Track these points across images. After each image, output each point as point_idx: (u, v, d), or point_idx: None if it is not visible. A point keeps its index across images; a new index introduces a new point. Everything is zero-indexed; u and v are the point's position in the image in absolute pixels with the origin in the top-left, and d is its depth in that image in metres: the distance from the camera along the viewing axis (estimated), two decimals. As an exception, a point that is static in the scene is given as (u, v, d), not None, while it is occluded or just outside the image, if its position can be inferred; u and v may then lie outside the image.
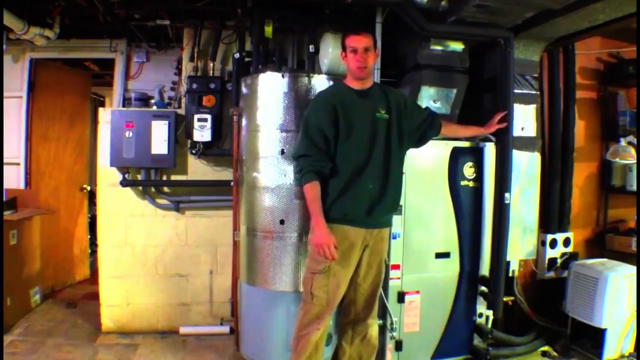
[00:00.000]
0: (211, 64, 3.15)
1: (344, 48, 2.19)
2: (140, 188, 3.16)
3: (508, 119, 2.63)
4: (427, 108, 2.50)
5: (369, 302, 2.30)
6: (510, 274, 2.94)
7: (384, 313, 2.63)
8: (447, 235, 2.74)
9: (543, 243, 3.15)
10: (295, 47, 3.17)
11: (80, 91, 4.34)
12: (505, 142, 2.66)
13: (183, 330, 3.21)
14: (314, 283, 2.15)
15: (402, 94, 2.47)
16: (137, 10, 3.01)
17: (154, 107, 3.15)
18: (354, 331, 2.34)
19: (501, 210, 2.67)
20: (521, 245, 2.94)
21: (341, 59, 2.25)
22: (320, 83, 2.56)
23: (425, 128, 2.40)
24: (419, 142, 2.43)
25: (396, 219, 2.61)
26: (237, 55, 3.03)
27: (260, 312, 2.57)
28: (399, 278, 2.65)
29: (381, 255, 2.29)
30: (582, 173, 3.43)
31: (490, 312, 2.81)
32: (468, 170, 2.75)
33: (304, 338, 2.19)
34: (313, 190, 2.09)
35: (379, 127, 2.18)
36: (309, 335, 2.18)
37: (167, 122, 3.03)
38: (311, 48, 2.90)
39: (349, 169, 2.13)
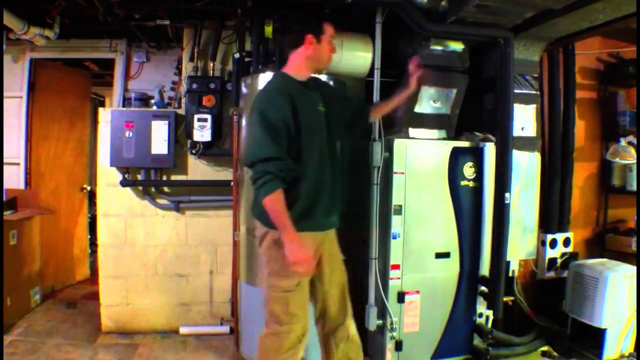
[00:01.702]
0: (211, 64, 3.15)
1: (318, 32, 2.00)
2: (140, 188, 3.16)
3: (507, 119, 2.63)
4: (355, 99, 2.35)
5: (342, 304, 2.18)
6: (510, 274, 2.94)
7: (384, 313, 2.63)
8: (447, 235, 2.74)
9: (543, 243, 3.15)
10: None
11: (80, 91, 4.35)
12: (505, 142, 2.65)
13: (183, 330, 3.21)
14: (291, 302, 1.95)
15: (330, 84, 2.33)
16: (137, 10, 3.01)
17: (154, 107, 3.16)
18: (336, 337, 2.19)
19: (501, 210, 2.67)
20: (521, 245, 2.94)
21: (306, 43, 2.00)
22: (320, 83, 2.55)
23: (355, 118, 2.30)
24: (349, 132, 2.32)
25: (396, 219, 2.62)
26: (237, 55, 3.03)
27: (260, 312, 2.56)
28: (399, 278, 2.65)
29: (339, 257, 2.19)
30: (582, 173, 3.43)
31: (490, 312, 2.80)
32: (468, 170, 2.75)
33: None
34: (281, 200, 1.82)
35: (322, 122, 2.05)
36: (296, 356, 2.01)
37: (167, 122, 3.03)
38: (311, 48, 2.89)
39: (312, 170, 1.95)
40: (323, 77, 2.59)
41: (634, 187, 3.33)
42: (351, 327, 2.23)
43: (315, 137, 1.98)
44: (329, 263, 2.12)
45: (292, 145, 1.89)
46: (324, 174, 2.01)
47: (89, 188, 4.33)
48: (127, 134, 3.01)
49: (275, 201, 1.82)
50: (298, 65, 2.04)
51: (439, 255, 2.72)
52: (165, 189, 3.21)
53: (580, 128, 3.37)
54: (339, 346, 2.19)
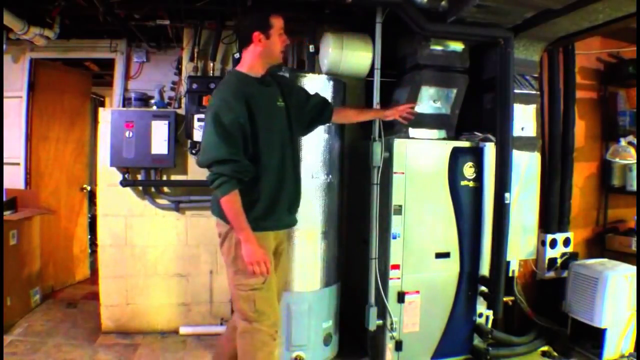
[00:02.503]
0: (211, 64, 3.15)
1: (266, 28, 1.94)
2: (140, 188, 3.16)
3: (507, 119, 2.63)
4: (317, 94, 2.31)
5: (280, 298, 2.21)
6: (510, 274, 2.94)
7: (383, 313, 2.63)
8: (447, 235, 2.74)
9: (543, 243, 3.15)
10: (295, 47, 3.17)
11: (80, 91, 4.34)
12: (505, 142, 2.65)
13: (183, 330, 3.21)
14: (258, 299, 1.95)
15: (290, 79, 2.29)
16: (137, 10, 3.01)
17: (154, 107, 3.16)
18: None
19: (501, 210, 2.67)
20: (521, 245, 2.94)
21: (255, 41, 1.95)
22: (320, 83, 2.56)
23: (315, 115, 2.26)
24: (307, 129, 2.29)
25: (396, 219, 2.62)
26: (237, 55, 3.02)
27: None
28: (399, 278, 2.65)
29: (289, 254, 2.25)
30: (582, 173, 3.43)
31: (490, 312, 2.81)
32: (468, 170, 2.75)
33: (269, 357, 1.98)
34: (237, 200, 1.83)
35: (282, 117, 2.03)
36: (273, 352, 2.00)
37: (167, 122, 3.03)
38: (311, 48, 2.90)
39: (272, 170, 1.95)
40: (323, 77, 2.59)
41: (634, 187, 3.33)
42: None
43: (275, 134, 1.98)
44: (283, 260, 2.18)
45: (249, 145, 1.89)
46: (285, 171, 2.01)
47: (89, 188, 4.33)
48: (127, 134, 3.00)
49: (231, 202, 1.83)
50: (251, 63, 1.99)
51: (439, 255, 2.72)
52: (165, 189, 3.21)
53: (580, 128, 3.37)
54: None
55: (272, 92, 2.04)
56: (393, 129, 2.78)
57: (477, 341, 2.84)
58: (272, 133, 1.97)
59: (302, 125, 2.21)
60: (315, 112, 2.26)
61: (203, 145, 1.89)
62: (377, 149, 2.56)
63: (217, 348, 2.38)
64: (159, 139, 3.03)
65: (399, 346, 2.66)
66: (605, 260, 3.10)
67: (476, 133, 2.81)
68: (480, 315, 2.82)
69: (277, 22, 1.97)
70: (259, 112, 1.90)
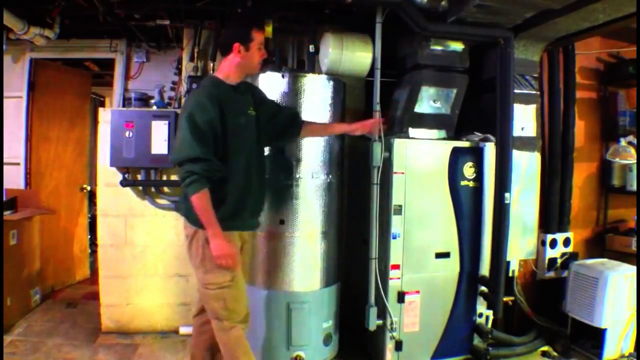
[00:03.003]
0: (211, 64, 3.14)
1: (246, 40, 2.02)
2: (140, 188, 3.16)
3: (507, 119, 2.63)
4: (288, 107, 2.40)
5: None
6: (510, 274, 2.95)
7: (383, 313, 2.63)
8: (447, 235, 2.74)
9: (543, 243, 3.15)
10: (295, 47, 3.17)
11: (80, 91, 4.34)
12: (505, 142, 2.65)
13: (183, 330, 3.20)
14: (228, 297, 2.02)
15: (261, 90, 2.37)
16: (137, 10, 3.01)
17: (154, 107, 3.15)
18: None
19: (501, 210, 2.67)
20: (521, 245, 2.94)
21: (234, 52, 2.03)
22: (320, 83, 2.56)
23: (283, 127, 2.33)
24: (273, 140, 2.36)
25: (396, 219, 2.62)
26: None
27: (260, 312, 2.57)
28: (399, 278, 2.65)
29: (247, 254, 2.30)
30: (582, 173, 3.43)
31: (490, 312, 2.81)
32: (468, 170, 2.75)
33: (243, 351, 2.07)
34: (207, 198, 1.91)
35: (251, 125, 2.13)
36: (246, 347, 2.09)
37: (167, 122, 3.03)
38: (311, 48, 2.90)
39: (239, 172, 2.04)
40: (323, 77, 2.59)
41: (634, 187, 3.33)
42: None
43: (243, 140, 2.06)
44: (243, 257, 2.20)
45: (219, 147, 1.97)
46: (251, 176, 2.10)
47: (89, 188, 4.33)
48: (127, 134, 3.00)
49: (201, 199, 1.90)
50: (228, 72, 2.08)
51: (439, 255, 2.72)
52: (165, 189, 3.21)
53: (580, 128, 3.37)
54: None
55: (244, 100, 2.13)
56: (393, 129, 2.78)
57: (477, 341, 2.84)
58: (240, 139, 2.05)
59: (267, 136, 2.27)
60: (284, 124, 2.33)
61: (176, 143, 1.99)
62: (377, 149, 2.55)
63: (190, 347, 2.44)
64: (159, 139, 3.02)
65: (399, 346, 2.66)
66: (605, 260, 3.10)
67: (476, 133, 2.81)
68: (480, 315, 2.82)
69: (258, 36, 2.06)
70: (230, 117, 1.99)
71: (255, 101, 2.19)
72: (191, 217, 2.00)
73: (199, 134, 1.90)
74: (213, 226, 1.93)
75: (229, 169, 2.00)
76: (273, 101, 2.39)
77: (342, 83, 2.70)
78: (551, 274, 3.18)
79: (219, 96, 1.98)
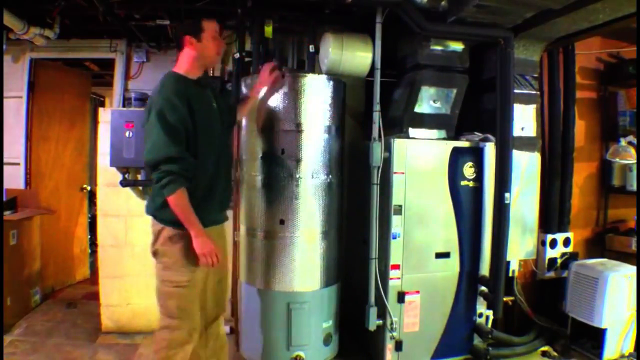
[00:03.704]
0: (211, 64, 3.15)
1: (197, 32, 2.02)
2: (140, 188, 3.15)
3: (507, 119, 2.63)
4: (229, 96, 2.41)
5: (219, 299, 2.26)
6: (510, 274, 2.95)
7: (383, 313, 2.63)
8: (447, 235, 2.74)
9: (543, 243, 3.15)
10: (295, 47, 3.17)
11: (80, 91, 4.35)
12: (505, 142, 2.65)
13: (183, 330, 3.20)
14: (182, 297, 1.99)
15: (214, 81, 2.36)
16: (137, 10, 3.01)
17: (154, 107, 3.15)
18: (207, 333, 2.22)
19: (501, 210, 2.67)
20: (521, 245, 2.94)
21: (187, 45, 2.03)
22: (320, 83, 2.56)
23: (233, 116, 2.37)
24: (230, 129, 2.40)
25: (396, 219, 2.62)
26: (237, 55, 3.03)
27: (260, 312, 2.57)
28: (399, 278, 2.65)
29: (224, 251, 2.26)
30: (582, 173, 3.43)
31: (490, 312, 2.81)
32: (468, 170, 2.75)
33: (177, 356, 1.99)
34: (185, 197, 1.89)
35: (217, 119, 2.13)
36: (189, 351, 2.02)
37: (167, 122, 3.02)
38: (311, 48, 2.90)
39: (208, 167, 2.02)
40: (323, 77, 2.59)
41: (634, 187, 3.33)
42: (221, 324, 2.30)
43: (211, 134, 2.05)
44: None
45: (190, 144, 1.95)
46: (219, 170, 2.09)
47: (89, 188, 4.33)
48: (127, 134, 3.00)
49: (180, 199, 1.88)
50: (187, 66, 2.05)
51: (439, 255, 2.72)
52: (165, 189, 3.21)
53: (580, 128, 3.37)
54: (209, 342, 2.23)
55: (208, 94, 2.13)
56: (393, 129, 2.78)
57: (477, 341, 2.84)
58: (209, 134, 2.04)
59: (229, 126, 2.33)
60: (233, 113, 2.37)
61: (149, 144, 1.92)
62: (377, 149, 2.56)
63: None
64: (159, 139, 3.02)
65: (399, 346, 2.66)
66: (605, 260, 3.10)
67: (476, 133, 2.82)
68: (480, 315, 2.82)
69: (209, 26, 2.05)
70: (198, 113, 1.97)
71: (215, 94, 2.19)
72: (159, 215, 2.00)
73: (173, 132, 1.87)
74: (195, 225, 1.92)
75: (200, 165, 1.98)
76: (224, 93, 2.39)
77: (342, 83, 2.70)
78: (551, 274, 3.18)
79: (185, 92, 1.95)
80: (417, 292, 2.69)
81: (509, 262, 2.88)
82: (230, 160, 2.25)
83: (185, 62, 2.05)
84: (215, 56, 2.10)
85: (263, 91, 2.49)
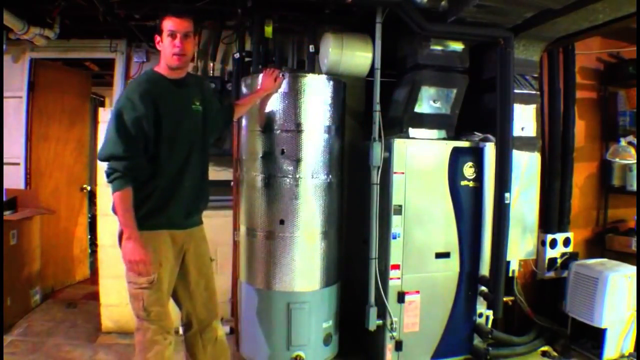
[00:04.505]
0: (211, 64, 3.15)
1: (159, 31, 1.95)
2: (140, 188, 3.15)
3: (507, 119, 2.63)
4: (224, 97, 2.37)
5: (208, 305, 2.20)
6: (510, 274, 2.94)
7: (383, 313, 2.63)
8: (447, 235, 2.74)
9: (543, 243, 3.15)
10: (295, 47, 3.17)
11: (80, 91, 4.34)
12: (505, 142, 2.65)
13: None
14: (146, 298, 1.95)
15: (209, 84, 2.31)
16: (137, 10, 3.01)
17: (154, 107, 3.15)
18: (203, 339, 2.20)
19: (501, 210, 2.67)
20: (521, 245, 2.94)
21: (157, 45, 1.99)
22: (320, 83, 2.56)
23: (227, 117, 2.35)
24: (221, 132, 2.40)
25: (396, 219, 2.62)
26: (237, 55, 3.03)
27: (260, 312, 2.57)
28: (399, 278, 2.65)
29: (206, 256, 2.22)
30: (582, 173, 3.43)
31: (490, 312, 2.81)
32: (468, 170, 2.75)
33: (157, 357, 1.99)
34: (128, 198, 1.85)
35: (195, 121, 2.06)
36: (163, 352, 2.01)
37: (167, 122, 3.02)
38: (311, 48, 2.90)
39: (170, 169, 1.96)
40: (323, 77, 2.59)
41: (634, 187, 3.33)
42: (219, 328, 2.25)
43: (182, 136, 1.99)
44: (194, 263, 2.13)
45: (150, 145, 1.90)
46: (186, 173, 2.01)
47: (89, 188, 4.33)
48: (127, 134, 2.99)
49: (121, 198, 1.85)
50: (162, 65, 2.00)
51: (439, 255, 2.72)
52: (165, 189, 3.20)
53: (580, 128, 3.37)
54: (206, 348, 2.21)
55: (187, 94, 2.05)
56: (393, 129, 2.78)
57: (477, 341, 2.84)
58: (178, 135, 1.97)
59: (218, 128, 2.29)
60: (228, 113, 2.34)
61: (104, 141, 1.91)
62: (377, 149, 2.56)
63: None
64: (159, 139, 3.01)
65: (399, 346, 2.66)
66: (605, 260, 3.10)
67: (476, 133, 2.82)
68: (480, 315, 2.82)
69: (166, 24, 1.93)
70: (165, 113, 1.91)
71: (204, 95, 2.13)
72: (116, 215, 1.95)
73: (125, 132, 1.83)
74: (129, 228, 1.86)
75: (158, 167, 1.93)
76: (217, 101, 2.35)
77: (342, 83, 2.70)
78: (551, 274, 3.18)
79: (152, 92, 1.90)
80: (417, 292, 2.69)
81: (509, 262, 2.88)
82: (206, 164, 2.17)
83: (162, 61, 2.00)
84: (169, 57, 1.94)
85: (260, 94, 2.47)
